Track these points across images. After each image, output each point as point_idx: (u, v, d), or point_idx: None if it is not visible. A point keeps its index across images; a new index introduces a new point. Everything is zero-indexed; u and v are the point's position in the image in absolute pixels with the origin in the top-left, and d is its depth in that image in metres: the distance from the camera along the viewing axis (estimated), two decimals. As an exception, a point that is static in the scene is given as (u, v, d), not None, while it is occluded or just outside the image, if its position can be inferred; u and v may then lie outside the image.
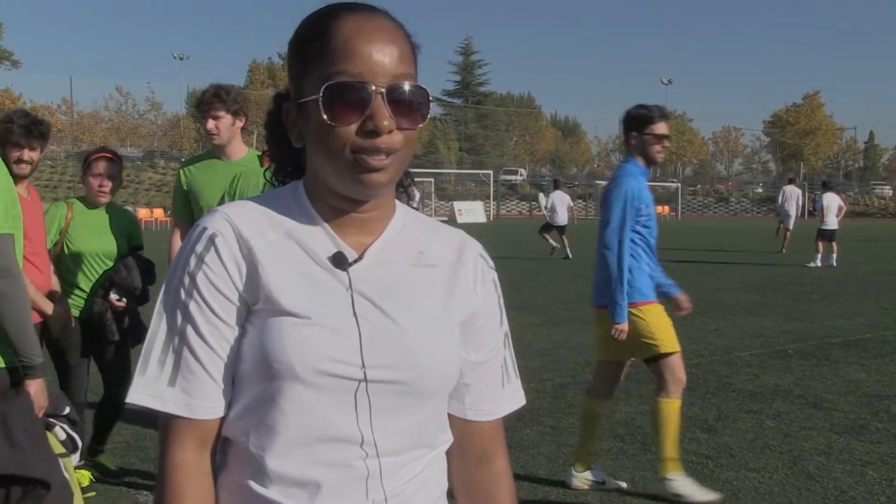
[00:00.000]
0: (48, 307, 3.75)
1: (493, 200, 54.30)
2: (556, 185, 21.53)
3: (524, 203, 59.74)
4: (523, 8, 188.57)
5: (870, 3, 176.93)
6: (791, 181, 23.11)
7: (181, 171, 4.20)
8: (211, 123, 3.99)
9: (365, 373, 1.10)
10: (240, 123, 4.05)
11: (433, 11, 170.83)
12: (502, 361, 1.30)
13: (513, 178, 64.86)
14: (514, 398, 1.32)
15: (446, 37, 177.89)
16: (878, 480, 4.47)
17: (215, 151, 4.11)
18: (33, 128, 3.88)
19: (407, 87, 1.10)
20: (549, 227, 20.43)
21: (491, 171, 56.84)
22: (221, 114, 3.98)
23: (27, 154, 3.87)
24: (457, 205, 44.91)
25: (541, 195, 51.35)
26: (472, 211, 44.10)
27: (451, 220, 41.33)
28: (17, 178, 3.90)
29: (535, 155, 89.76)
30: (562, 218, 20.06)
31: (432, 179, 52.71)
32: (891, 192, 69.94)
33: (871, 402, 6.10)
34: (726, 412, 5.79)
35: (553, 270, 16.61)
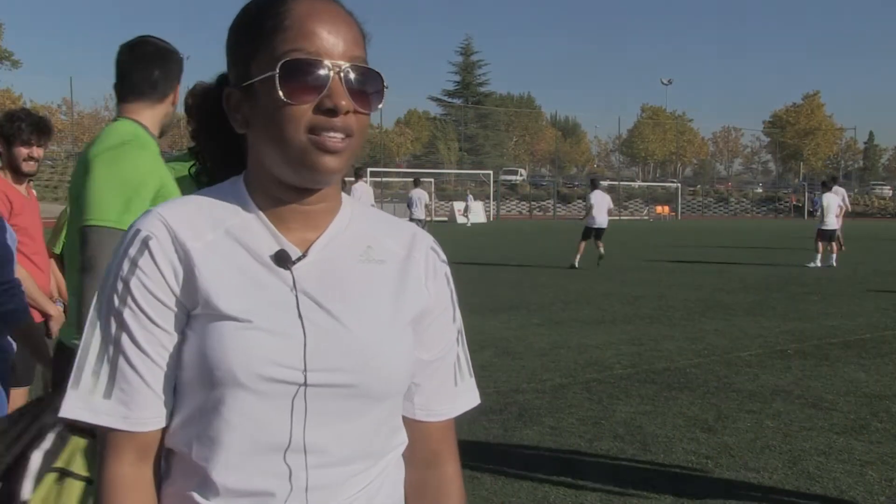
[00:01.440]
0: (51, 307, 3.76)
1: (493, 200, 54.28)
2: (595, 185, 19.15)
3: (524, 203, 59.77)
4: (523, 8, 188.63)
5: (869, 4, 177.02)
6: (834, 180, 21.12)
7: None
8: None
9: (305, 377, 1.05)
10: None
11: (433, 11, 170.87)
12: (455, 359, 1.24)
13: (513, 178, 64.84)
14: (467, 398, 1.26)
15: (446, 37, 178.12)
16: (877, 480, 4.47)
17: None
18: (42, 125, 3.92)
19: (362, 69, 1.07)
20: (588, 232, 17.81)
21: (491, 172, 56.84)
22: None
23: (36, 152, 3.90)
24: (457, 205, 44.88)
25: (469, 198, 47.69)
26: (472, 211, 44.05)
27: (452, 220, 41.33)
28: (24, 177, 3.93)
29: (535, 155, 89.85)
30: (601, 220, 17.75)
31: (432, 179, 52.68)
32: (890, 192, 69.90)
33: (870, 402, 6.10)
34: (726, 412, 5.79)
35: (553, 270, 16.60)
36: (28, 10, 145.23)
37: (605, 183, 61.22)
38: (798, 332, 9.12)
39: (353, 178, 16.83)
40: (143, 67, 2.64)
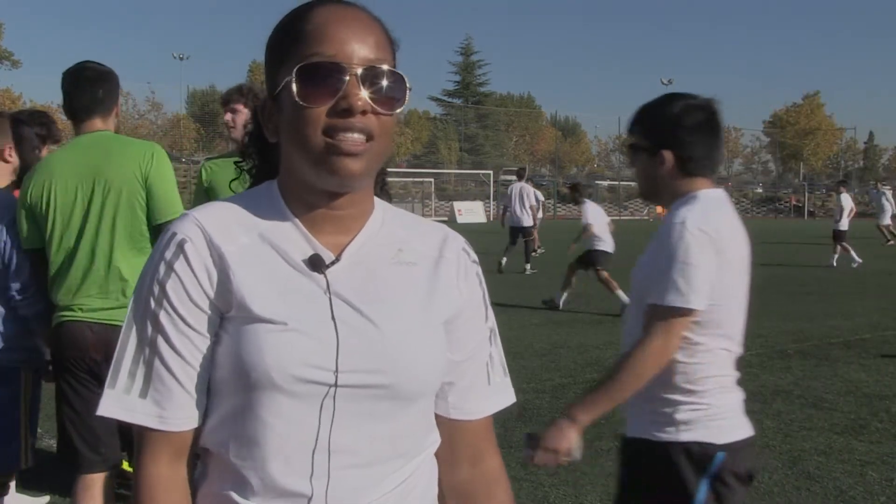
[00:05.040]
0: None
1: (493, 200, 54.26)
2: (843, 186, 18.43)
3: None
4: (523, 8, 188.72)
5: (870, 4, 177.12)
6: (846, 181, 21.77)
7: (202, 168, 4.28)
8: (228, 116, 4.11)
9: (336, 378, 1.06)
10: None
11: (433, 11, 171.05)
12: (487, 358, 1.25)
13: (513, 178, 64.86)
14: (502, 396, 1.27)
15: (446, 37, 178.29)
16: (877, 480, 4.47)
17: (237, 149, 4.18)
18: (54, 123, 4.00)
19: (382, 71, 1.07)
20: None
21: (491, 172, 56.83)
22: (239, 107, 4.08)
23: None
24: (457, 205, 44.86)
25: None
26: (472, 211, 44.05)
27: (451, 221, 41.34)
28: None
29: (535, 155, 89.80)
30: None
31: (432, 179, 52.67)
32: (891, 192, 69.94)
33: (870, 402, 6.10)
34: (726, 412, 5.78)
35: (553, 271, 16.59)
36: (28, 10, 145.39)
37: (604, 183, 61.11)
38: (798, 332, 9.13)
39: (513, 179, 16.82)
40: (90, 89, 3.12)
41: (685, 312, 2.10)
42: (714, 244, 2.13)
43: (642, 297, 2.20)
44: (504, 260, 15.93)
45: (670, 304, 2.09)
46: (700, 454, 2.13)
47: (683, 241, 2.11)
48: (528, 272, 15.91)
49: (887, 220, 24.00)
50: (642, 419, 2.23)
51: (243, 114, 4.07)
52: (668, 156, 2.25)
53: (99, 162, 3.02)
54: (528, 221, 16.01)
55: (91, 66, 3.18)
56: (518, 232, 15.92)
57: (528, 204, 16.05)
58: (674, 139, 2.24)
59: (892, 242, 23.74)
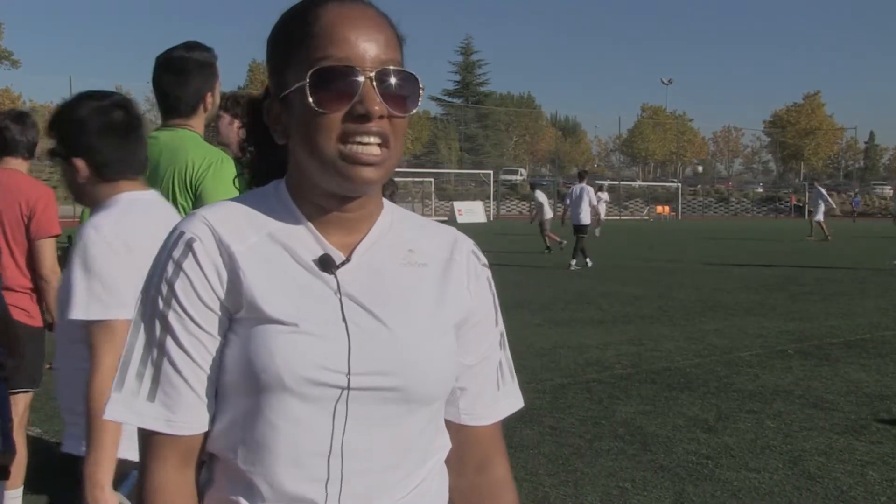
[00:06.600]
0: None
1: (493, 200, 54.28)
2: None
3: (524, 203, 59.75)
4: (523, 8, 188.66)
5: (870, 4, 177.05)
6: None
7: None
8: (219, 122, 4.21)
9: (349, 381, 1.04)
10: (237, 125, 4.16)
11: (433, 11, 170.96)
12: (497, 363, 1.24)
13: (513, 178, 64.86)
14: (511, 401, 1.26)
15: (446, 37, 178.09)
16: (878, 480, 4.47)
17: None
18: None
19: (396, 72, 1.05)
20: None
21: (491, 171, 56.84)
22: (220, 113, 4.15)
23: None
24: (457, 205, 44.87)
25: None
26: (472, 211, 44.05)
27: (451, 220, 41.34)
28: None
29: (535, 155, 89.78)
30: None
31: (432, 179, 52.67)
32: (891, 191, 69.85)
33: (871, 402, 6.10)
34: (726, 412, 5.79)
35: (553, 271, 16.60)
36: (28, 10, 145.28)
37: (605, 182, 61.52)
38: (798, 332, 9.12)
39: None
40: (161, 86, 2.97)
41: (110, 323, 1.98)
42: (128, 249, 2.02)
43: (64, 311, 2.04)
44: (573, 262, 16.74)
45: (96, 318, 1.98)
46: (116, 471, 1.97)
47: (97, 249, 2.00)
48: (572, 267, 16.58)
49: (820, 217, 26.34)
50: (73, 434, 2.09)
51: (224, 119, 4.19)
52: (80, 164, 2.12)
53: (152, 161, 2.87)
54: (586, 220, 17.26)
55: (173, 58, 2.95)
56: (577, 230, 17.09)
57: (589, 204, 17.30)
58: (83, 147, 2.11)
59: (812, 238, 26.21)
